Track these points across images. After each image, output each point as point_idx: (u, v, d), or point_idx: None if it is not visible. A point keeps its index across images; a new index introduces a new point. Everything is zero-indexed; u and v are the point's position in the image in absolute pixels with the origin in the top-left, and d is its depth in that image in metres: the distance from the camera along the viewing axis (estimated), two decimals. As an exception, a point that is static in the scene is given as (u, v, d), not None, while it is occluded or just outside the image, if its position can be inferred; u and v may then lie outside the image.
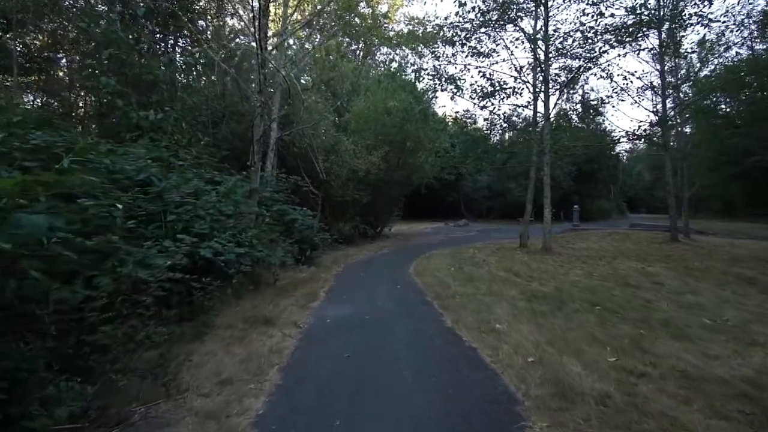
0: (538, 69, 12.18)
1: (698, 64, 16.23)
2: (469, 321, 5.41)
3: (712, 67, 15.64)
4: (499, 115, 13.26)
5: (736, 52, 15.26)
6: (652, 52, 14.23)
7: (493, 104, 12.72)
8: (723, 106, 19.52)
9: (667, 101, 14.06)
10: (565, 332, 4.85)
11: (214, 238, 5.57)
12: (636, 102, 14.47)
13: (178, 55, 9.95)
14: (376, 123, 16.26)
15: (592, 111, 14.80)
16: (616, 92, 13.46)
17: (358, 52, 26.93)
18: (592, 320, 5.38)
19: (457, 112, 15.59)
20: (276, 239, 8.68)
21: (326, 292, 7.43)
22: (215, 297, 5.66)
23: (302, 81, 14.27)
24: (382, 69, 24.17)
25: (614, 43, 10.86)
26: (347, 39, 26.74)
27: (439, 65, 13.05)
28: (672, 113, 14.50)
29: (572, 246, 13.75)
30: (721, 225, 23.70)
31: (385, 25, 28.46)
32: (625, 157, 42.10)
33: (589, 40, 10.51)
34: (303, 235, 9.92)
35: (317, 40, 25.70)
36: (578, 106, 15.26)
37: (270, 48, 11.53)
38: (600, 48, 10.93)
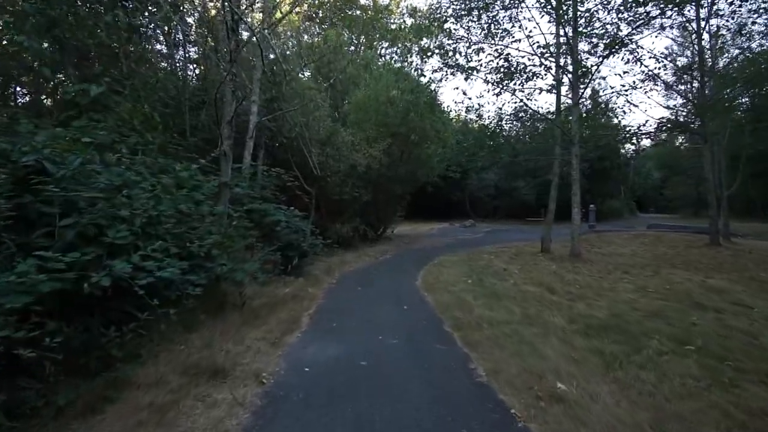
0: (564, 48, 10.37)
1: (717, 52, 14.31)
2: (511, 373, 3.61)
3: (730, 56, 13.71)
4: (520, 98, 11.42)
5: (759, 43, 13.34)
6: (687, 29, 12.45)
7: (511, 87, 10.91)
8: (745, 100, 17.59)
9: (705, 87, 12.22)
10: (672, 402, 3.06)
11: (140, 249, 3.80)
12: (670, 87, 12.66)
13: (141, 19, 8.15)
14: (377, 113, 14.49)
15: (616, 99, 12.93)
16: (645, 79, 11.65)
17: (360, 47, 25.18)
18: (696, 372, 3.58)
19: (462, 98, 13.62)
20: (253, 246, 6.93)
21: (311, 316, 5.65)
22: (148, 333, 3.95)
23: (287, 53, 12.54)
24: (383, 62, 22.37)
25: (654, 15, 9.09)
26: (347, 33, 25.13)
27: (451, 44, 11.22)
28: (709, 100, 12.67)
29: (600, 251, 11.94)
30: (748, 226, 21.80)
31: (387, 19, 26.86)
32: (631, 155, 40.19)
33: (630, 4, 8.67)
34: (289, 241, 8.15)
35: (316, 32, 24.15)
36: (604, 93, 13.41)
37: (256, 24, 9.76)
38: (639, 17, 9.10)
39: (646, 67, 11.35)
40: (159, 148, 7.03)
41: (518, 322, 5.07)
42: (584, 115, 10.41)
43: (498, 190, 30.77)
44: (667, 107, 17.16)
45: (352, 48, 25.76)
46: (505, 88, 11.20)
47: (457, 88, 12.34)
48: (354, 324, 5.28)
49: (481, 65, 10.91)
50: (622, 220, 32.40)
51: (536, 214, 29.55)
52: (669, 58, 12.89)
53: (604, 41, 9.55)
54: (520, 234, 19.49)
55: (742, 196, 30.15)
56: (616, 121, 17.65)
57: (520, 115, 11.86)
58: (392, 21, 26.19)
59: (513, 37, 10.55)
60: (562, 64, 10.51)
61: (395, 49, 25.71)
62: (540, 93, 11.28)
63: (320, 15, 24.62)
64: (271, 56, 10.34)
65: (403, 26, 23.09)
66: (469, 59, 10.91)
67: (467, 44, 10.67)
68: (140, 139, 6.18)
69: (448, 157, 17.30)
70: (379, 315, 5.68)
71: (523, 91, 11.04)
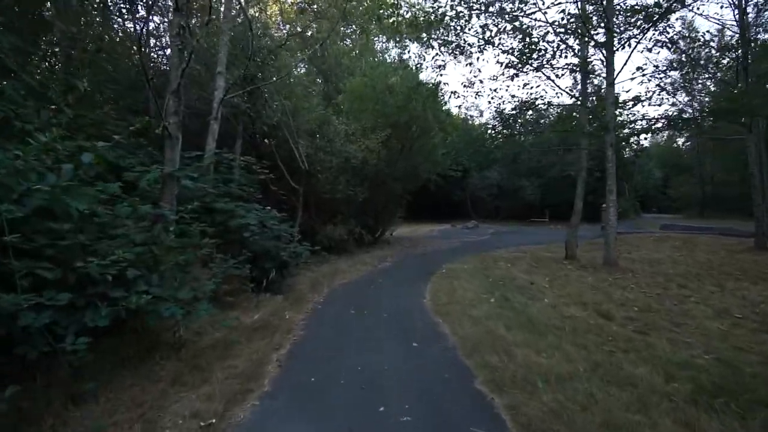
0: (596, 19, 8.65)
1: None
2: None
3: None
4: (537, 84, 9.75)
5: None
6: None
7: (532, 66, 9.18)
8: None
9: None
10: None
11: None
12: (713, 65, 10.98)
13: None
14: (375, 102, 12.75)
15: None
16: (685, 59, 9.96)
17: (356, 44, 23.42)
18: None
19: (465, 90, 11.81)
20: (210, 258, 5.16)
21: (281, 363, 3.88)
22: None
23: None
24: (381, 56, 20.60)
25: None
26: (344, 25, 23.39)
27: (458, 19, 9.44)
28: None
29: (631, 257, 10.22)
30: None
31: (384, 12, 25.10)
32: (636, 152, 38.60)
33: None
34: (265, 249, 6.39)
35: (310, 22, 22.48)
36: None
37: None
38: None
39: (685, 46, 9.62)
40: (92, 127, 5.34)
41: (588, 378, 3.33)
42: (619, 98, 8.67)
43: (501, 190, 29.03)
44: (673, 104, 15.54)
45: (348, 42, 24.10)
46: (522, 68, 9.48)
47: (463, 78, 10.27)
48: (342, 378, 3.52)
49: (493, 39, 9.17)
50: (629, 220, 30.71)
51: (540, 215, 27.92)
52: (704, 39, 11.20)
53: (644, 11, 7.84)
54: (528, 236, 17.80)
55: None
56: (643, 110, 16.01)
57: (537, 103, 10.10)
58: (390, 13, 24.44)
59: (535, 5, 8.71)
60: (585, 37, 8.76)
61: (393, 44, 24.00)
62: (562, 74, 9.58)
63: (314, 8, 22.99)
64: (239, 19, 8.60)
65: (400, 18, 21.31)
66: (484, 31, 9.15)
67: (481, 10, 8.86)
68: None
69: (456, 148, 15.33)
70: (378, 360, 3.92)
71: (545, 72, 9.32)
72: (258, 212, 6.64)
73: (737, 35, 10.66)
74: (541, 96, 10.17)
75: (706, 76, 12.57)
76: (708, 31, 11.96)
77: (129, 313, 3.18)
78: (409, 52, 20.69)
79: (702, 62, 11.06)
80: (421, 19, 10.19)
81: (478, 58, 10.30)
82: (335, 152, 10.63)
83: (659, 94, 9.55)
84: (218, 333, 4.38)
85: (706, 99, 17.79)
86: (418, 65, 16.16)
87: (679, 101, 15.16)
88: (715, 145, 34.01)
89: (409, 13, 11.53)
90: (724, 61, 11.09)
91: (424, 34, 11.91)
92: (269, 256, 6.42)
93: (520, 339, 4.25)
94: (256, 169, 7.81)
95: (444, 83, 16.06)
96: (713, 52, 11.66)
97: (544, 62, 9.22)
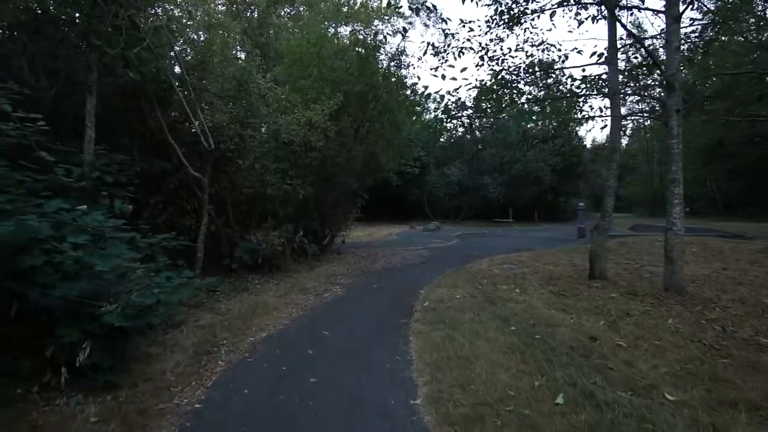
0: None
1: None
2: None
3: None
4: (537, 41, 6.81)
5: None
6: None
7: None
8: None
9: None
10: None
11: None
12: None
13: None
14: (320, 66, 9.31)
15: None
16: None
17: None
18: None
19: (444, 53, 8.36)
20: None
21: None
22: None
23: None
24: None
25: None
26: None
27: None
28: None
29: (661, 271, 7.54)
30: (739, 226, 18.83)
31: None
32: (594, 149, 37.90)
33: None
34: (66, 297, 2.81)
35: None
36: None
37: None
38: None
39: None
40: None
41: None
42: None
43: (462, 188, 26.42)
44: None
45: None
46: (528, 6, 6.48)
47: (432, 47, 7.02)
48: None
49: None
50: (589, 221, 29.34)
51: (503, 214, 25.57)
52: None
53: None
54: (502, 241, 15.07)
55: (715, 195, 28.19)
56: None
57: (543, 58, 7.08)
58: None
59: None
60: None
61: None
62: (586, 17, 6.67)
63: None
64: None
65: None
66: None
67: None
68: None
69: (431, 128, 11.41)
70: None
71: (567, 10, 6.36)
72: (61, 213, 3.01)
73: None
74: (557, 51, 7.09)
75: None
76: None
77: None
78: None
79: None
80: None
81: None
82: (259, 126, 7.06)
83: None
84: None
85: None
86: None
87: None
88: (663, 144, 33.71)
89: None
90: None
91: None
92: (73, 316, 2.83)
93: None
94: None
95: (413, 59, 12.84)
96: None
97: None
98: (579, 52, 6.74)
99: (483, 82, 6.21)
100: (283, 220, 8.61)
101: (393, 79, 9.21)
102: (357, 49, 9.52)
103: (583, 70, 6.56)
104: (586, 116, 7.01)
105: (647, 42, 6.54)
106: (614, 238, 14.07)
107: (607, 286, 6.15)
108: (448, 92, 5.42)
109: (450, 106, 5.95)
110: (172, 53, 5.98)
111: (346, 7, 12.02)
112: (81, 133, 5.20)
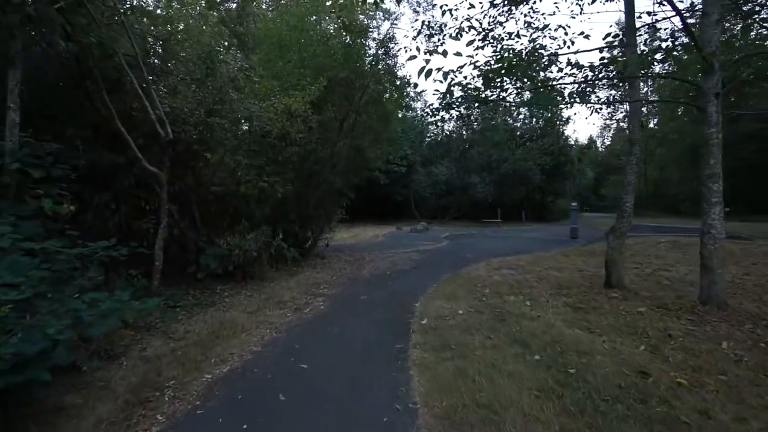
0: None
1: None
2: None
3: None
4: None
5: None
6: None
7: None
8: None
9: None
10: None
11: None
12: None
13: None
14: (301, 51, 8.35)
15: None
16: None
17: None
18: None
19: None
20: None
21: None
22: None
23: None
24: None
25: None
26: None
27: None
28: None
29: (688, 278, 6.85)
30: (733, 225, 18.52)
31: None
32: (581, 149, 37.68)
33: None
34: None
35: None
36: None
37: None
38: None
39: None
40: None
41: None
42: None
43: (449, 187, 25.66)
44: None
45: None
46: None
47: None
48: None
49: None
50: (580, 220, 29.00)
51: (492, 214, 24.87)
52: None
53: None
54: (495, 242, 14.32)
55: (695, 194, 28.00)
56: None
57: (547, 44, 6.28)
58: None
59: None
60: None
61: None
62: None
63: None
64: None
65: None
66: None
67: None
68: None
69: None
70: None
71: None
72: None
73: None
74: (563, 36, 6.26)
75: None
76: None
77: None
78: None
79: None
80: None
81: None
82: (229, 112, 6.05)
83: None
84: None
85: None
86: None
87: None
88: (648, 144, 33.66)
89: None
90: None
91: None
92: None
93: None
94: None
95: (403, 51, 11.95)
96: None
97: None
98: (586, 36, 5.90)
99: (490, 63, 5.33)
100: (260, 222, 7.62)
101: (381, 65, 8.28)
102: (342, 33, 8.59)
103: (601, 51, 5.66)
104: (602, 101, 6.19)
105: (666, 23, 5.78)
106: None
107: (629, 297, 5.38)
108: (452, 71, 4.51)
109: (452, 89, 5.05)
110: (117, 19, 4.92)
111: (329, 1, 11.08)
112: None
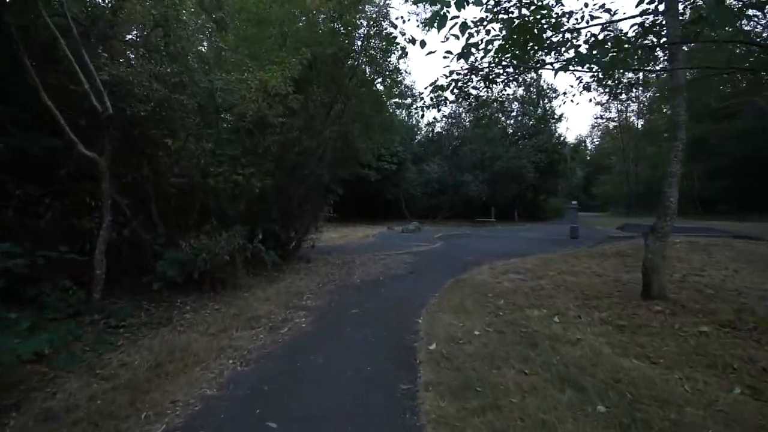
0: None
1: None
2: None
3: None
4: None
5: None
6: None
7: None
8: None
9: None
10: None
11: None
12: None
13: None
14: (283, 26, 7.23)
15: None
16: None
17: None
18: None
19: None
20: None
21: None
22: None
23: None
24: None
25: None
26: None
27: None
28: None
29: (748, 289, 5.93)
30: (736, 225, 17.90)
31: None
32: (574, 147, 37.09)
33: None
34: None
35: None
36: None
37: None
38: None
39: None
40: None
41: None
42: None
43: (441, 186, 24.68)
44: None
45: None
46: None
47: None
48: None
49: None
50: (567, 220, 28.35)
51: (485, 213, 23.94)
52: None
53: None
54: (492, 243, 13.37)
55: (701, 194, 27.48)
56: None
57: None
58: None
59: None
60: None
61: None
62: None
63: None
64: None
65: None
66: None
67: None
68: None
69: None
70: None
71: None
72: None
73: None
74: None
75: None
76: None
77: None
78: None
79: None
80: None
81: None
82: (190, 85, 4.91)
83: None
84: None
85: None
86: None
87: None
88: (639, 144, 33.24)
89: None
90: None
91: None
92: None
93: None
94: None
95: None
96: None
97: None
98: (607, 10, 4.92)
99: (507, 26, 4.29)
100: (234, 221, 6.49)
101: (374, 42, 7.20)
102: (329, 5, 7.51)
103: (642, 15, 4.68)
104: (648, 69, 5.16)
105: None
106: (617, 240, 12.64)
107: (677, 312, 4.41)
108: (474, 21, 3.46)
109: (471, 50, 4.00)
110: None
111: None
112: None
